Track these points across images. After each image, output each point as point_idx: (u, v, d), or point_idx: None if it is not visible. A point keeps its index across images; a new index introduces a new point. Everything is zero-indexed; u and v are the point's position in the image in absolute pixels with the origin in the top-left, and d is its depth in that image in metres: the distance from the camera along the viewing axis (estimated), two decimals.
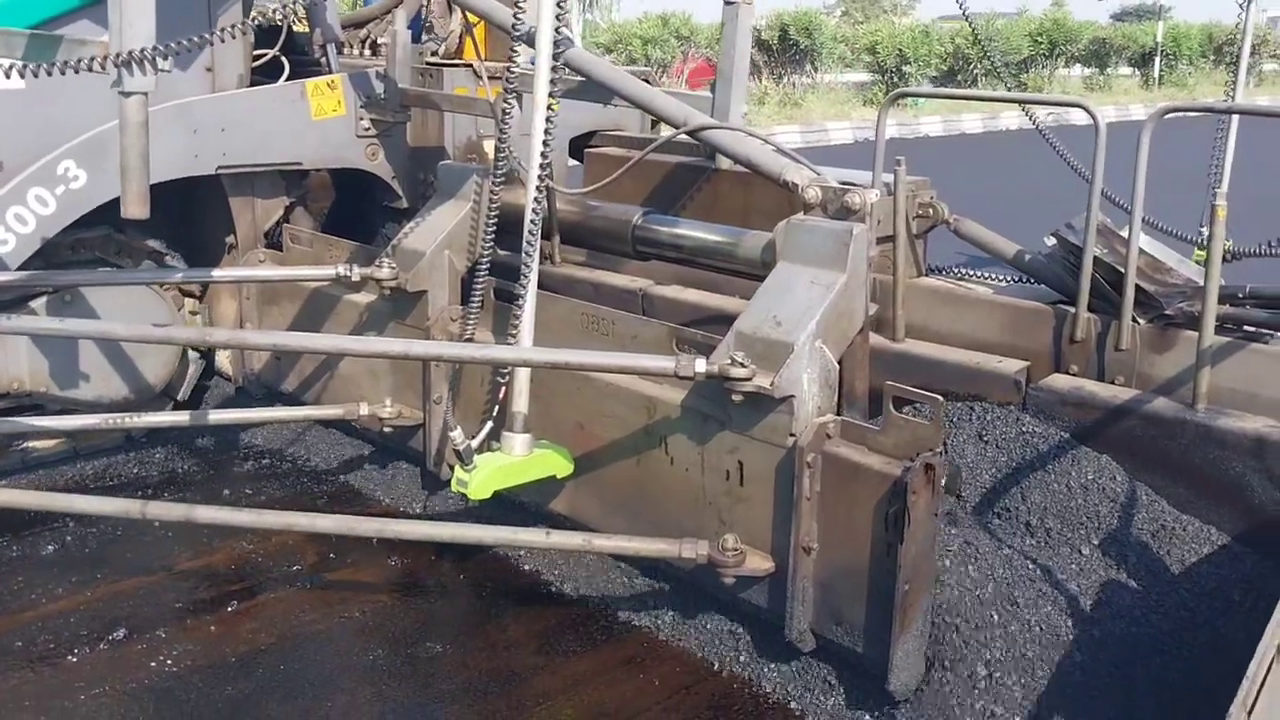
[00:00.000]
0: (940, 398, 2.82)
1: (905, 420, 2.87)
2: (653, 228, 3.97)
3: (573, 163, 5.57)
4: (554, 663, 3.34)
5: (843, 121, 20.13)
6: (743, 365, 2.98)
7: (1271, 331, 3.36)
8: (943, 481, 3.30)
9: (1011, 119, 19.51)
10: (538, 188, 3.26)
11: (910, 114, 21.13)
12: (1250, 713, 2.07)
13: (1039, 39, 26.71)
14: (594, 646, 3.44)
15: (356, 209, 5.22)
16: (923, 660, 2.94)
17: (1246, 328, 3.42)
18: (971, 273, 4.38)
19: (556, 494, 3.66)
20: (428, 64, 4.91)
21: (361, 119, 4.69)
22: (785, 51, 24.53)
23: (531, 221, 3.26)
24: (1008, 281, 4.14)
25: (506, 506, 3.82)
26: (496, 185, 3.33)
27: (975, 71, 25.29)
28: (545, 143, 3.26)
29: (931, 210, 4.04)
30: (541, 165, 3.27)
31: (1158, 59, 28.35)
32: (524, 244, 3.27)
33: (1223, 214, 2.99)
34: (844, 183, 3.32)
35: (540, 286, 4.49)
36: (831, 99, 23.90)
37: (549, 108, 3.24)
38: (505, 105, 3.28)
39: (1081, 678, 2.95)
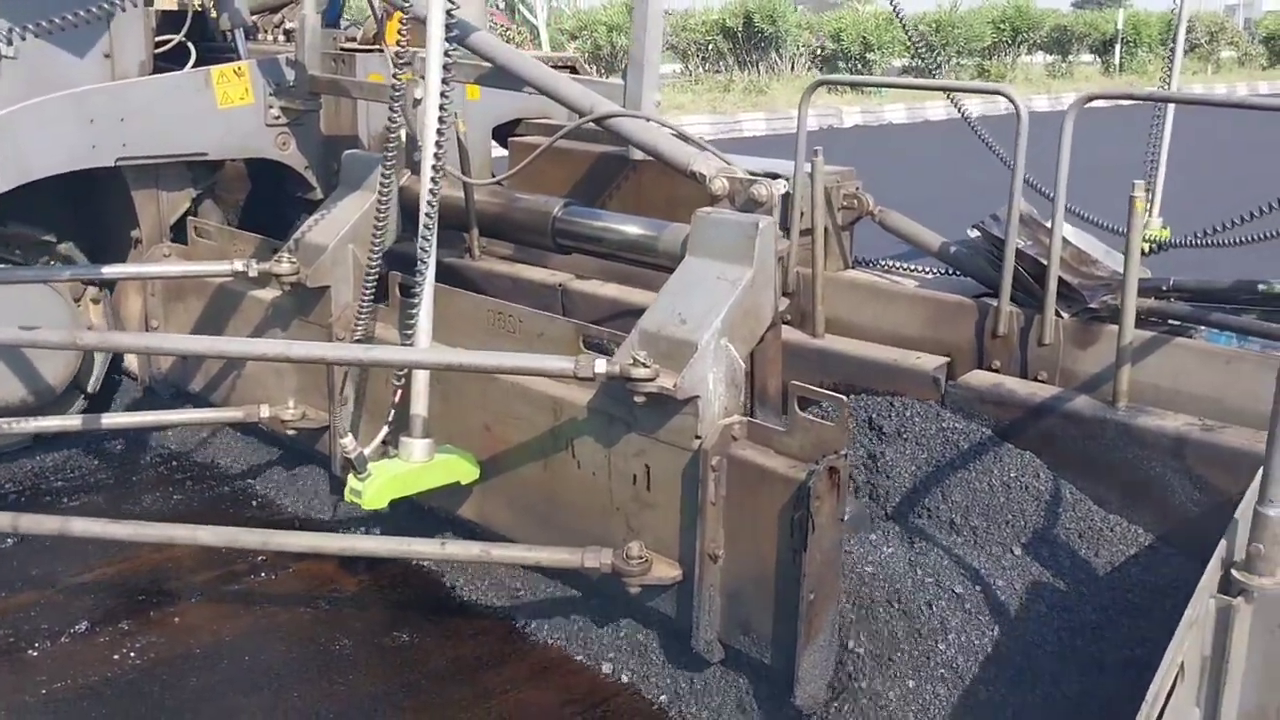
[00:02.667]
0: (844, 398, 2.70)
1: (810, 421, 2.75)
2: (573, 220, 3.83)
3: (501, 152, 5.40)
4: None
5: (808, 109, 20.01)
6: (645, 365, 2.84)
7: (1196, 325, 3.26)
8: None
9: (975, 106, 19.45)
10: (433, 178, 3.09)
11: (875, 101, 21.04)
12: None
13: (1001, 26, 26.67)
14: (506, 657, 3.30)
15: (273, 201, 5.03)
16: (830, 671, 2.82)
17: (1172, 321, 3.31)
18: (902, 265, 4.25)
19: (465, 499, 3.51)
20: (341, 49, 4.72)
21: (271, 107, 4.50)
22: (750, 39, 24.39)
23: (426, 214, 3.09)
24: (935, 274, 4.02)
25: (417, 512, 3.67)
26: (388, 173, 3.16)
27: (939, 59, 25.24)
28: (440, 131, 3.09)
29: (856, 201, 3.92)
30: (436, 154, 3.10)
31: (1118, 46, 28.39)
32: (419, 237, 3.11)
33: (1141, 205, 2.88)
34: (754, 173, 3.18)
35: (458, 281, 4.36)
36: (796, 86, 23.76)
37: (443, 95, 3.07)
38: (395, 89, 3.10)
39: (1010, 690, 2.84)
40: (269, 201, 5.08)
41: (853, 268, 4.08)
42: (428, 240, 3.09)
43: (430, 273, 3.14)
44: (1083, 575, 3.08)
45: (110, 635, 3.33)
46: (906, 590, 3.00)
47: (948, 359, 3.44)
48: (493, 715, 3.04)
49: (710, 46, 24.31)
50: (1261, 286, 3.17)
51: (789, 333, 3.73)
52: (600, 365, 2.84)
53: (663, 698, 3.10)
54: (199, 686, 3.11)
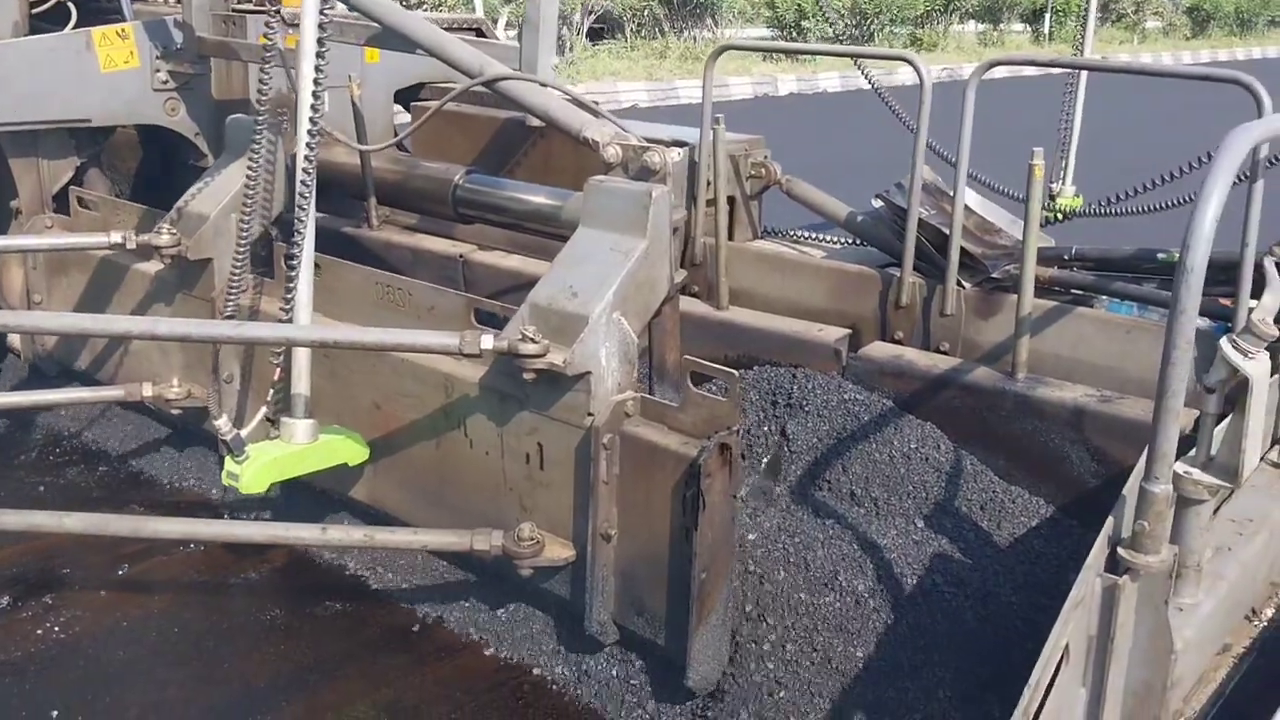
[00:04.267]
0: (736, 373, 2.61)
1: (703, 397, 2.66)
2: (476, 188, 3.71)
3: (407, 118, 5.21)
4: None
5: (743, 76, 19.89)
6: (534, 340, 2.73)
7: (1097, 294, 3.23)
8: (764, 462, 3.11)
9: (907, 75, 19.51)
10: (309, 141, 2.93)
11: (809, 70, 20.97)
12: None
13: None
14: (400, 640, 3.20)
15: (168, 170, 4.81)
16: (725, 652, 2.75)
17: (1074, 291, 3.28)
18: (812, 235, 4.18)
19: (355, 480, 3.38)
20: (233, 10, 4.49)
21: (158, 71, 4.28)
22: (686, 5, 24.15)
23: (303, 180, 2.94)
24: (842, 245, 3.95)
25: (309, 493, 3.53)
26: (259, 136, 2.99)
27: (872, 27, 25.24)
28: (315, 94, 2.93)
29: (764, 170, 3.84)
30: (313, 116, 2.94)
31: (1048, 15, 28.64)
32: (296, 205, 2.95)
33: (1040, 173, 2.82)
34: (652, 140, 3.07)
35: (355, 251, 4.21)
36: (732, 54, 23.58)
37: (320, 54, 2.91)
38: (266, 49, 2.93)
39: (910, 663, 2.80)
40: (164, 170, 4.86)
41: (762, 238, 4.00)
42: (304, 209, 2.94)
43: (308, 243, 2.99)
44: (987, 548, 3.05)
45: (33, 610, 3.24)
46: (809, 565, 2.94)
47: (850, 331, 3.38)
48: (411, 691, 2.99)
49: (646, 12, 24.02)
50: (1161, 255, 3.15)
51: (693, 305, 3.65)
52: (487, 341, 2.72)
53: (560, 678, 3.02)
54: (126, 659, 3.06)
